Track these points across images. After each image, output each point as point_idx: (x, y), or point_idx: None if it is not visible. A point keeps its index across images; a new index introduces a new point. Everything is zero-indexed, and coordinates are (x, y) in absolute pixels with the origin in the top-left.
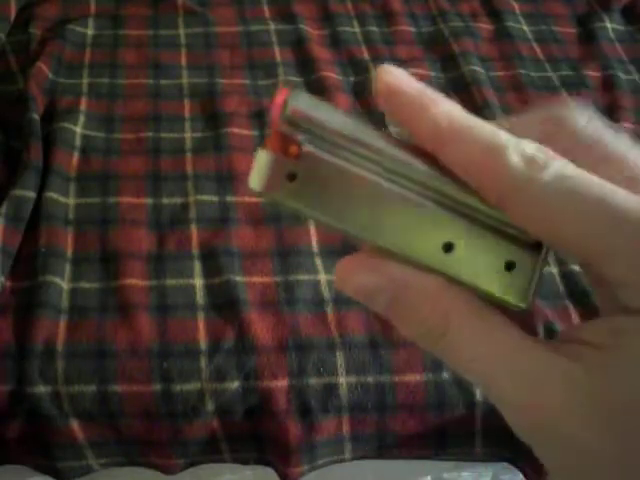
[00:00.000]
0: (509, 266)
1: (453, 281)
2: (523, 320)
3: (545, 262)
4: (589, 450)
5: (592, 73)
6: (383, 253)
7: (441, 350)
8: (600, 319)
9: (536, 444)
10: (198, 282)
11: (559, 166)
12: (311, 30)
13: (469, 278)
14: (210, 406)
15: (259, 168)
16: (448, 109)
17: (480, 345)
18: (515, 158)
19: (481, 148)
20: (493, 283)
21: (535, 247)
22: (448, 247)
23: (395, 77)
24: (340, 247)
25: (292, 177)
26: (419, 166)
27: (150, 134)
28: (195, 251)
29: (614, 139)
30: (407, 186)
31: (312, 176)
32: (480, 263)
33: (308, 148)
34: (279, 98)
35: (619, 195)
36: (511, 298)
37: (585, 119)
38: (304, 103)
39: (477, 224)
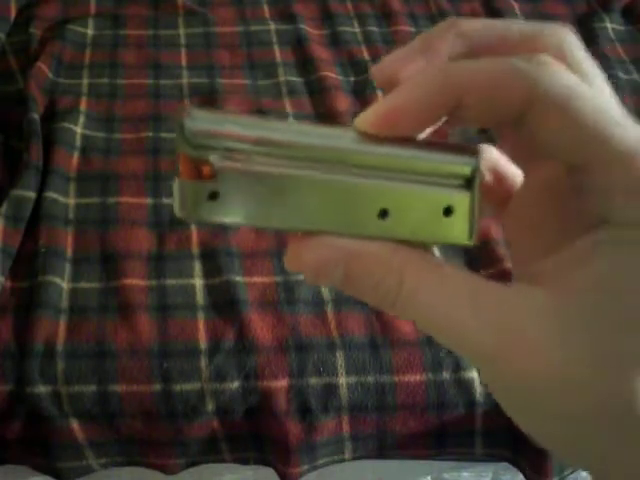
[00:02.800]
0: (447, 211)
1: (400, 242)
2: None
3: (480, 195)
4: (571, 379)
5: None
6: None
7: (402, 309)
8: (558, 250)
9: (507, 390)
10: (198, 282)
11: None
12: (311, 30)
13: (412, 235)
14: (210, 406)
15: (178, 196)
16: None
17: (437, 294)
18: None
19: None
20: (436, 232)
21: (467, 185)
22: (383, 213)
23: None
24: None
25: (214, 196)
26: (340, 143)
27: (150, 134)
28: (195, 251)
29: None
30: (327, 168)
31: (233, 188)
32: (418, 218)
33: (220, 164)
34: (176, 124)
35: (612, 112)
36: (456, 240)
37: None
38: (202, 120)
39: (406, 182)
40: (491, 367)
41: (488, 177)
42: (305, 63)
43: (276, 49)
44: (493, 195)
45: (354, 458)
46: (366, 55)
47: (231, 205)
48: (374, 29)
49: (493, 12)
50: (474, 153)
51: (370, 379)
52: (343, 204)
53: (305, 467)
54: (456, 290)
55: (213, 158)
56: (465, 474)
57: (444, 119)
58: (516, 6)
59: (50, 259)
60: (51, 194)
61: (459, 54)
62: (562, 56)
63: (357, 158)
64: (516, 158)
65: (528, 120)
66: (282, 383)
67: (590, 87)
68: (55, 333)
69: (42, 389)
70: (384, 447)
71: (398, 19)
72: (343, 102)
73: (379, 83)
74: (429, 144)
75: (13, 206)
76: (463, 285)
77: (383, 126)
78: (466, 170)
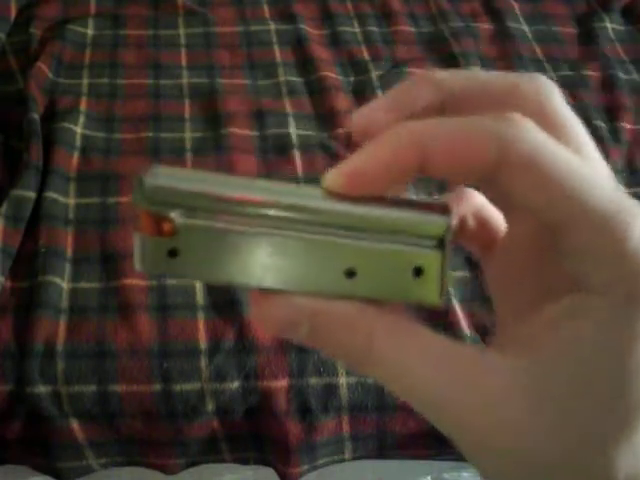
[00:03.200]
0: (417, 271)
1: (368, 301)
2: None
3: (451, 258)
4: (514, 436)
5: (592, 73)
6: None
7: (370, 369)
8: (530, 314)
9: (462, 437)
10: (198, 282)
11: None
12: (311, 30)
13: (380, 295)
14: (210, 406)
15: (139, 251)
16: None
17: (409, 357)
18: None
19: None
20: (405, 292)
21: (438, 244)
22: (350, 273)
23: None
24: None
25: (173, 253)
26: (307, 201)
27: (150, 134)
28: None
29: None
30: (292, 226)
31: (194, 245)
32: (387, 277)
33: (182, 221)
34: (135, 179)
35: (585, 169)
36: (425, 300)
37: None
38: (162, 176)
39: (374, 242)
40: (460, 436)
41: (471, 222)
42: (305, 63)
43: (276, 49)
44: (477, 240)
45: (354, 458)
46: (366, 55)
47: (191, 261)
48: (374, 29)
49: (493, 12)
50: (445, 211)
51: (370, 379)
52: (308, 262)
53: (305, 467)
54: (426, 353)
55: (174, 215)
56: (465, 474)
57: (411, 176)
58: (516, 6)
59: (50, 259)
60: (51, 194)
61: (434, 107)
62: (539, 108)
63: (324, 216)
64: (497, 208)
65: (499, 179)
66: (282, 383)
67: (568, 142)
68: (55, 333)
69: (42, 389)
70: (384, 447)
71: (398, 19)
72: (343, 102)
73: (355, 135)
74: (399, 202)
75: (13, 206)
76: (433, 347)
77: (350, 187)
78: (437, 230)
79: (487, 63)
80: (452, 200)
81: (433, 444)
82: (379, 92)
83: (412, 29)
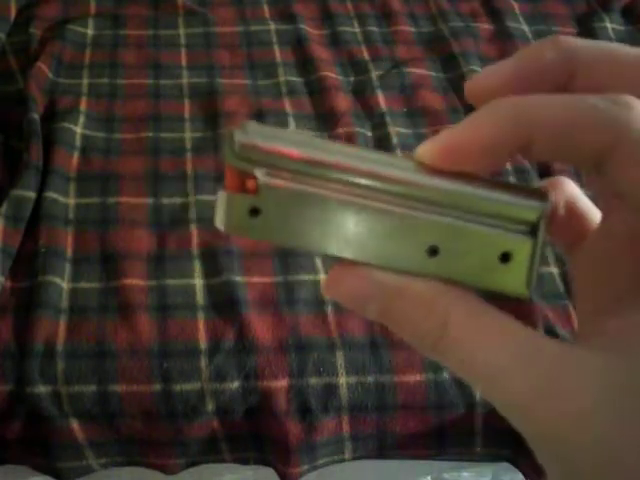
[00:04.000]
0: (505, 257)
1: (448, 282)
2: (524, 318)
3: (544, 246)
4: (617, 455)
5: None
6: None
7: (441, 354)
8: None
9: (547, 446)
10: (198, 282)
11: None
12: (311, 30)
13: (461, 278)
14: (210, 406)
15: (221, 208)
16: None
17: (484, 344)
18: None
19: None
20: (489, 278)
21: (531, 231)
22: (433, 250)
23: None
24: None
25: (255, 212)
26: (390, 173)
27: (150, 134)
28: (195, 251)
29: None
30: (379, 197)
31: (276, 206)
32: (471, 260)
33: (265, 180)
34: (227, 134)
35: None
36: (511, 289)
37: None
38: (253, 135)
39: (462, 220)
40: (532, 420)
41: (563, 212)
42: (305, 63)
43: (276, 49)
44: (565, 232)
45: (354, 458)
46: (366, 55)
47: (272, 223)
48: (374, 29)
49: (493, 12)
50: (543, 198)
51: (370, 379)
52: (390, 236)
53: (305, 467)
54: (507, 341)
55: (259, 173)
56: (465, 474)
57: (512, 156)
58: (516, 6)
59: (50, 259)
60: (51, 194)
61: (560, 75)
62: None
63: (414, 190)
64: (596, 197)
65: (608, 166)
66: (282, 383)
67: None
68: (55, 333)
69: (42, 389)
70: (384, 447)
71: (398, 19)
72: (343, 102)
73: (470, 97)
74: (493, 183)
75: (13, 206)
76: (516, 337)
77: (446, 160)
78: (532, 215)
79: (487, 63)
80: (546, 187)
81: (433, 444)
82: (379, 92)
83: (412, 29)
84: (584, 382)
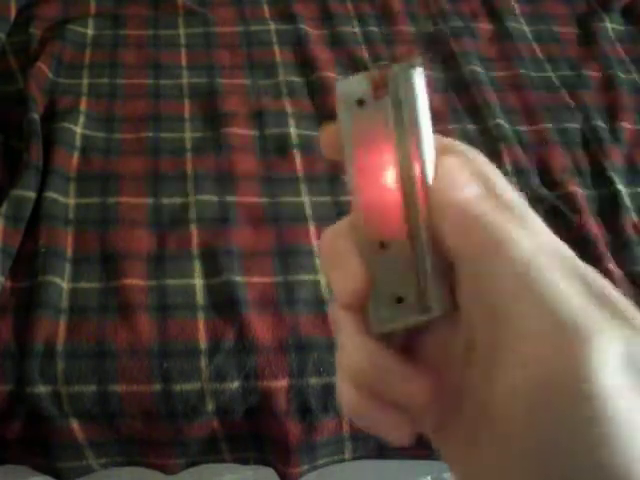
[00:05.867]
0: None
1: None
2: None
3: None
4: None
5: (592, 73)
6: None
7: None
8: None
9: None
10: (198, 282)
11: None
12: (311, 30)
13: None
14: (210, 406)
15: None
16: None
17: None
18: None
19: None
20: None
21: None
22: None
23: None
24: None
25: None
26: None
27: (150, 134)
28: (195, 251)
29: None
30: None
31: None
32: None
33: None
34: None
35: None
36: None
37: None
38: None
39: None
40: None
41: None
42: (305, 63)
43: (276, 49)
44: None
45: (354, 458)
46: (366, 55)
47: None
48: (374, 29)
49: (493, 12)
50: None
51: None
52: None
53: (305, 467)
54: None
55: None
56: None
57: None
58: (516, 6)
59: (50, 259)
60: (51, 194)
61: None
62: None
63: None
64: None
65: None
66: (282, 383)
67: None
68: (55, 333)
69: (42, 389)
70: (384, 447)
71: (398, 19)
72: None
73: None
74: None
75: (13, 206)
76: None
77: None
78: None
79: (487, 63)
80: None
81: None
82: None
83: (412, 29)
84: None
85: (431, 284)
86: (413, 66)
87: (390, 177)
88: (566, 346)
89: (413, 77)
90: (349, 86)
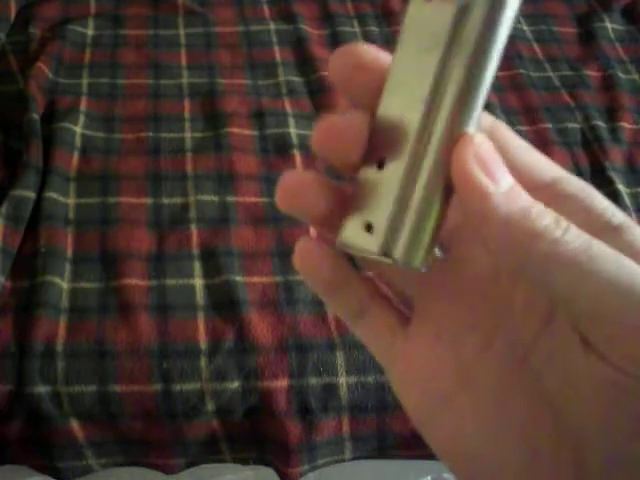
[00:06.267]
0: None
1: None
2: None
3: None
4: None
5: (592, 73)
6: None
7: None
8: None
9: None
10: (198, 282)
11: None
12: (311, 30)
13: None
14: (210, 406)
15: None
16: None
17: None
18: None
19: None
20: None
21: None
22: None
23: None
24: None
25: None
26: None
27: (150, 134)
28: (195, 251)
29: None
30: None
31: None
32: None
33: None
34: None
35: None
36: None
37: None
38: None
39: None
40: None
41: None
42: (305, 63)
43: (276, 49)
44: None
45: (354, 458)
46: None
47: None
48: (374, 29)
49: None
50: None
51: (370, 379)
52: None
53: (305, 467)
54: None
55: None
56: None
57: None
58: None
59: (50, 259)
60: (51, 194)
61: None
62: None
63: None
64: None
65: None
66: (282, 383)
67: None
68: (55, 333)
69: (42, 389)
70: (384, 447)
71: (398, 19)
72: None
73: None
74: None
75: (13, 206)
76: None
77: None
78: None
79: None
80: None
81: None
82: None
83: None
84: None
85: (411, 226)
86: None
87: (420, 92)
88: None
89: None
90: None
